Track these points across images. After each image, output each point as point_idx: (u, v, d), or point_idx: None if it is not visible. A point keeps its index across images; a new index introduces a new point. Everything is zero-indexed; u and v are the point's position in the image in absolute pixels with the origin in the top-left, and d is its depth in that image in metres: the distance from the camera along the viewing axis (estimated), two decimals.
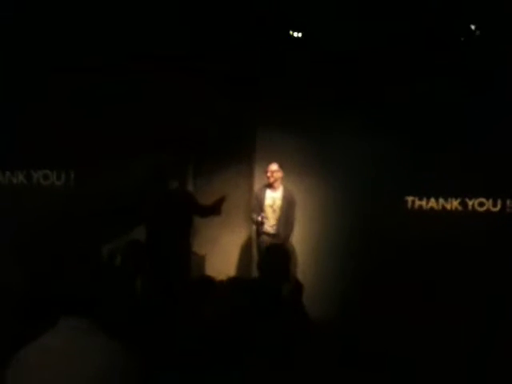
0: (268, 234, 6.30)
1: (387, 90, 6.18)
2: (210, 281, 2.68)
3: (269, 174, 6.31)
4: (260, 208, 6.33)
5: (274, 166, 6.32)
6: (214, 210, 5.88)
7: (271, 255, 3.39)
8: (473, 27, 5.60)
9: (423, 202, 6.33)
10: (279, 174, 6.33)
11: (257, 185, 6.62)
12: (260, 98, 6.52)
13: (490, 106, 5.97)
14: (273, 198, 6.35)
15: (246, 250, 6.75)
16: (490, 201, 6.16)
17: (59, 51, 5.98)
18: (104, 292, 2.79)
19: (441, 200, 6.30)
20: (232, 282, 2.79)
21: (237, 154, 6.62)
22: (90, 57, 6.05)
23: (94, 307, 2.36)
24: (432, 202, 6.33)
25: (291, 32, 5.81)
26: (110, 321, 2.15)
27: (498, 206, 6.15)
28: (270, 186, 6.35)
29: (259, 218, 6.24)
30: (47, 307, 2.58)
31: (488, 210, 6.17)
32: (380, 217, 6.22)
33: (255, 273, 6.40)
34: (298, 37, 5.83)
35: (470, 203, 6.22)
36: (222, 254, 6.55)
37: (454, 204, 6.28)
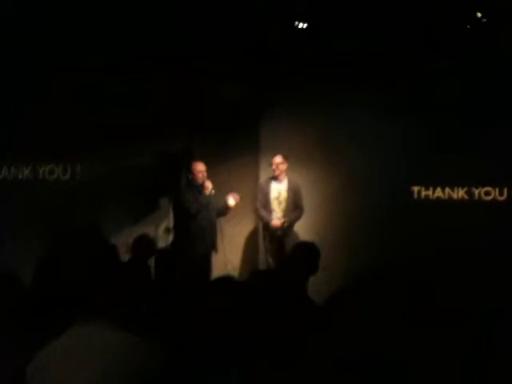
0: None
1: (391, 78, 6.15)
2: (227, 277, 2.68)
3: (274, 167, 6.30)
4: (265, 201, 6.33)
5: (278, 159, 6.30)
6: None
7: (303, 251, 3.43)
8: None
9: (429, 192, 6.33)
10: (284, 166, 6.32)
11: (262, 177, 6.62)
12: (263, 89, 6.50)
13: (498, 95, 5.95)
14: (278, 190, 6.34)
15: (252, 241, 6.77)
16: (497, 189, 6.15)
17: (60, 51, 5.99)
18: (114, 288, 2.78)
19: (447, 189, 6.29)
20: (251, 275, 2.79)
21: (241, 145, 6.61)
22: (91, 57, 6.06)
23: (105, 303, 2.35)
24: (438, 192, 6.32)
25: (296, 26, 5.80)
26: (124, 316, 2.15)
27: (505, 195, 6.14)
28: (275, 178, 6.34)
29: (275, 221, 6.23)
30: (58, 305, 2.57)
31: (494, 199, 6.16)
32: (386, 207, 6.21)
33: (262, 263, 6.44)
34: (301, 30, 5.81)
35: (477, 192, 6.21)
36: (229, 245, 6.55)
37: (460, 193, 6.27)
